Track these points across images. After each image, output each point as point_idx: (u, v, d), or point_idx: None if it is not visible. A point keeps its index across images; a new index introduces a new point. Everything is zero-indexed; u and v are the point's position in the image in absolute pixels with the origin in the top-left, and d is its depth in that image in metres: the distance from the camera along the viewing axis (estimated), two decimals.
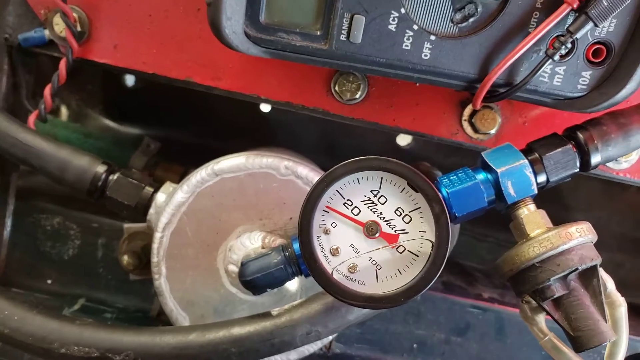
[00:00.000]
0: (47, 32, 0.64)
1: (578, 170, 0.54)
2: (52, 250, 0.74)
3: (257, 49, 0.53)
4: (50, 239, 0.74)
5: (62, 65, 0.63)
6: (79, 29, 0.63)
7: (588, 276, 0.50)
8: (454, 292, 0.78)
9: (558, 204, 0.97)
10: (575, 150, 0.54)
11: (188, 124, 0.99)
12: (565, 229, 0.49)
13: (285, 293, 0.62)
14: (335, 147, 1.03)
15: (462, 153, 0.99)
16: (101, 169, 0.61)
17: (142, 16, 0.63)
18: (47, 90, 0.64)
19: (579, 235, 0.49)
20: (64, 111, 0.96)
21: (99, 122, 0.97)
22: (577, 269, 0.49)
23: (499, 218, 0.91)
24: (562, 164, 0.53)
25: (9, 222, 0.71)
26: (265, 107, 0.97)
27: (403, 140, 0.99)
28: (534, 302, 0.52)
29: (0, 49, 0.65)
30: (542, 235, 0.49)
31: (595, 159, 0.54)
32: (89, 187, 0.61)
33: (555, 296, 0.49)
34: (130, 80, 0.98)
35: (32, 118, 0.65)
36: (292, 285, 0.62)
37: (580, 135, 0.54)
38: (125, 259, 0.67)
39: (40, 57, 0.71)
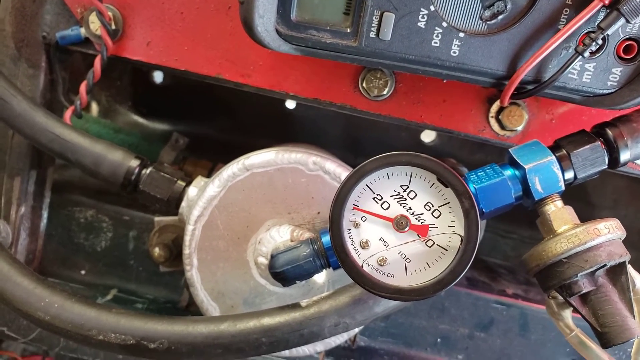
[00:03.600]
0: (83, 30, 0.65)
1: (606, 167, 0.54)
2: (86, 242, 0.77)
3: (288, 47, 0.54)
4: (83, 231, 0.77)
5: (97, 62, 0.65)
6: (113, 27, 0.65)
7: (616, 272, 0.50)
8: (478, 288, 0.78)
9: (584, 201, 0.97)
10: (603, 147, 0.54)
11: (215, 120, 1.01)
12: (593, 225, 0.49)
13: (312, 285, 0.63)
14: (359, 143, 1.04)
15: (486, 150, 0.99)
16: (134, 163, 0.63)
17: (174, 14, 0.65)
18: (83, 87, 0.66)
19: (607, 232, 0.49)
20: (94, 107, 0.98)
21: (128, 117, 0.99)
22: (605, 265, 0.49)
23: (523, 215, 0.91)
24: (590, 160, 0.53)
25: (45, 215, 0.74)
26: (290, 104, 0.98)
27: (427, 136, 0.99)
28: (560, 297, 0.52)
29: (39, 47, 0.67)
30: (569, 232, 0.50)
31: (624, 156, 0.54)
32: (123, 181, 0.62)
33: (583, 292, 0.50)
34: (158, 77, 1.01)
35: (68, 114, 0.67)
36: (320, 277, 0.63)
37: (610, 132, 0.54)
38: (157, 251, 0.69)
39: (73, 55, 0.73)
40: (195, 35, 0.65)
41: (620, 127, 0.54)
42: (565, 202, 0.53)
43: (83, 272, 0.76)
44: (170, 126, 0.99)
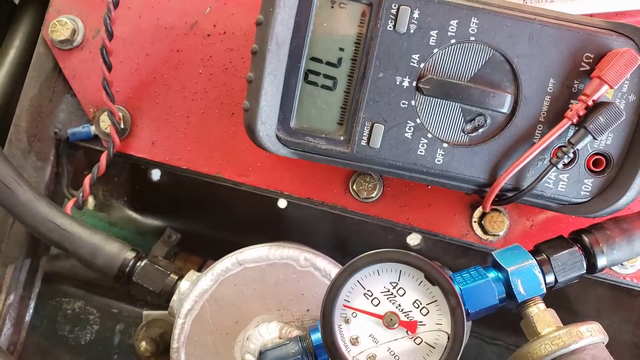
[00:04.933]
0: (93, 128, 0.70)
1: (585, 272, 0.57)
2: (70, 334, 0.75)
3: (286, 150, 0.58)
4: (69, 322, 0.75)
5: (103, 158, 0.69)
6: (122, 126, 0.69)
7: None
8: None
9: (567, 310, 0.98)
10: (581, 252, 0.56)
11: (207, 218, 1.03)
12: (576, 328, 0.51)
13: None
14: (347, 244, 1.06)
15: (470, 256, 1.02)
16: (130, 255, 0.64)
17: (181, 117, 0.70)
18: (87, 181, 0.69)
19: (590, 335, 0.51)
20: (90, 201, 1.01)
21: (122, 212, 1.01)
22: None
23: (507, 322, 0.91)
24: (569, 265, 0.56)
25: (32, 305, 0.73)
26: (282, 203, 1.01)
27: (413, 240, 1.02)
28: None
29: (49, 142, 0.71)
30: (553, 334, 0.51)
31: (601, 261, 0.57)
32: (117, 272, 0.63)
33: None
34: (156, 175, 1.04)
35: (69, 205, 0.69)
36: None
37: (586, 239, 0.57)
38: (143, 345, 0.67)
39: (78, 150, 0.77)
40: (199, 137, 0.70)
41: (596, 234, 0.57)
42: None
43: None
44: (163, 222, 1.01)
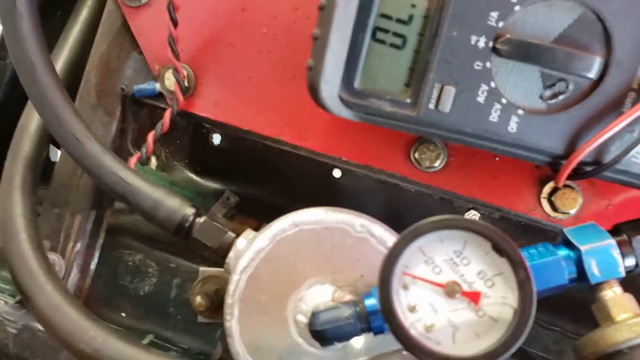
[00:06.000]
0: (158, 85, 0.71)
1: None
2: (130, 285, 0.78)
3: (348, 112, 0.56)
4: (130, 274, 0.78)
5: (167, 115, 0.70)
6: (186, 84, 0.70)
7: None
8: None
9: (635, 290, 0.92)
10: None
11: (264, 183, 1.04)
12: None
13: (349, 350, 0.61)
14: (400, 219, 1.03)
15: (529, 236, 0.97)
16: (190, 211, 0.65)
17: (244, 78, 0.69)
18: (150, 136, 0.70)
19: None
20: (153, 161, 1.03)
21: (183, 174, 1.04)
22: None
23: (567, 307, 0.86)
24: None
25: (97, 254, 0.76)
26: (337, 173, 1.00)
27: (471, 217, 0.99)
28: None
29: (116, 98, 0.73)
30: (631, 320, 0.48)
31: None
32: (177, 227, 0.64)
33: None
34: (217, 139, 1.06)
35: (133, 160, 0.71)
36: (358, 342, 0.61)
37: None
38: (198, 299, 0.69)
39: (144, 108, 0.79)
40: (261, 98, 0.69)
41: None
42: None
43: (124, 314, 0.77)
44: (221, 185, 1.02)
